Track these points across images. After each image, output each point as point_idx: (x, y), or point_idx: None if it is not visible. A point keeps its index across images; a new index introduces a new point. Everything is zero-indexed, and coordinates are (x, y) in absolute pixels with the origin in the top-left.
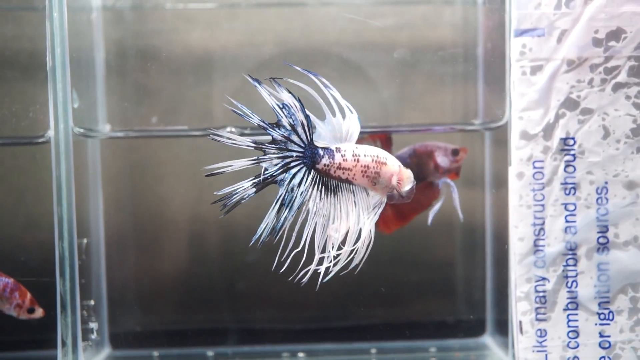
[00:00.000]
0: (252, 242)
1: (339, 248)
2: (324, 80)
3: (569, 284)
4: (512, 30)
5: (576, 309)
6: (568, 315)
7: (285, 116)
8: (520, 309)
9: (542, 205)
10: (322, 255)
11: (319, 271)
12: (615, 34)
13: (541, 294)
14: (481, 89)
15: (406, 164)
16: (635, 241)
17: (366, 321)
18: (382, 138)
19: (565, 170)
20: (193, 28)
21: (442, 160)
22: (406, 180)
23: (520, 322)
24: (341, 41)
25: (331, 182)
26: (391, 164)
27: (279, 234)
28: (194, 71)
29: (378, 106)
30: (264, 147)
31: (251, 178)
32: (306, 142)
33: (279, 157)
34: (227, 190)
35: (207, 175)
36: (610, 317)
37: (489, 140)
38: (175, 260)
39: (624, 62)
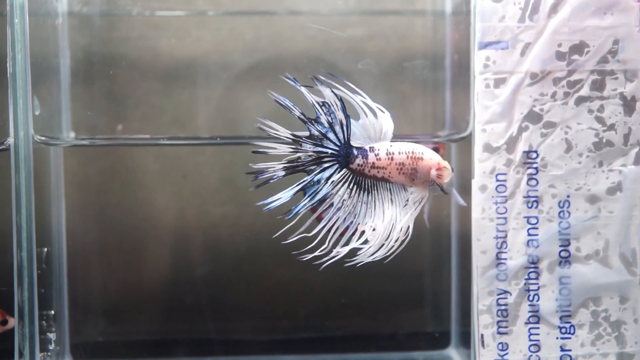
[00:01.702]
0: (260, 203)
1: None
2: (352, 85)
3: (531, 297)
4: (476, 42)
5: (538, 322)
6: (529, 328)
7: (325, 114)
8: (482, 322)
9: (505, 218)
10: (337, 248)
11: (326, 261)
12: (579, 48)
13: (503, 307)
14: (448, 101)
15: None
16: (596, 255)
17: (334, 333)
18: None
19: (527, 184)
20: (161, 35)
21: None
22: (446, 172)
23: (482, 336)
24: (310, 50)
25: (366, 181)
26: (428, 157)
27: (296, 218)
28: (161, 79)
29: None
30: (301, 139)
31: (283, 162)
32: (342, 142)
33: (314, 152)
34: (260, 165)
35: (253, 152)
36: (572, 331)
37: (455, 151)
38: (140, 269)
39: (586, 76)
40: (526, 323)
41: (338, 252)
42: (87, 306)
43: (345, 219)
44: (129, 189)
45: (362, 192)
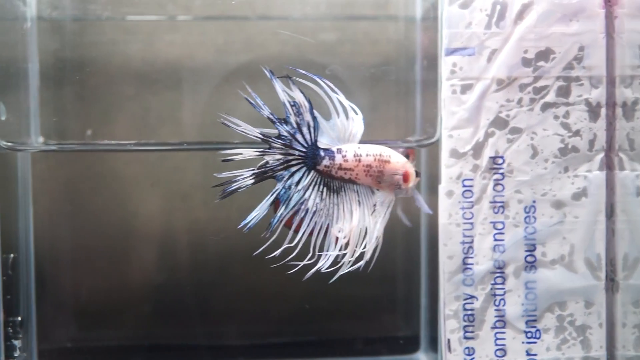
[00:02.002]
0: (241, 226)
1: (346, 247)
2: (329, 83)
3: (497, 302)
4: (443, 49)
5: (504, 327)
6: (496, 333)
7: (294, 114)
8: (448, 327)
9: (471, 224)
10: (321, 254)
11: (321, 270)
12: (545, 54)
13: (469, 312)
14: (419, 106)
15: None
16: (562, 260)
17: (306, 338)
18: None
19: (494, 189)
20: (132, 40)
21: None
22: (410, 176)
23: (449, 340)
24: (282, 55)
25: (334, 182)
26: (395, 161)
27: (277, 230)
28: (132, 83)
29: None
30: (270, 140)
31: (251, 168)
32: (309, 143)
33: (282, 154)
34: (226, 174)
35: (223, 161)
36: (537, 336)
37: (425, 157)
38: (111, 275)
39: (552, 82)
40: (492, 328)
41: (321, 266)
42: (57, 312)
43: (322, 222)
44: (98, 195)
45: (332, 193)
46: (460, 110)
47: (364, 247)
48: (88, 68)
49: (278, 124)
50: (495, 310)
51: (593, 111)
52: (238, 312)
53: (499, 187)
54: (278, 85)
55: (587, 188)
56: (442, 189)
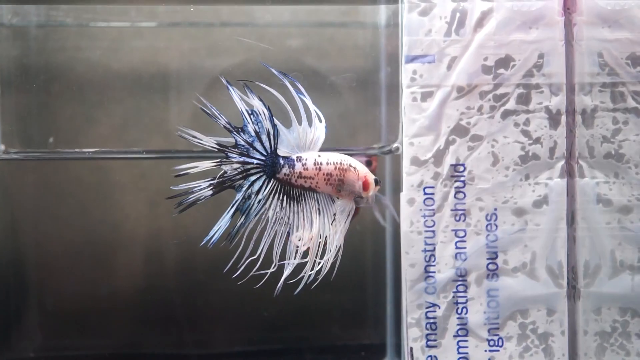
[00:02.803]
0: (203, 243)
1: (304, 256)
2: (299, 85)
3: (459, 310)
4: (403, 56)
5: (466, 335)
6: (458, 341)
7: (252, 122)
8: (411, 336)
9: (433, 232)
10: (282, 263)
11: (286, 281)
12: (505, 62)
13: (432, 321)
14: (383, 113)
15: None
16: (524, 267)
17: (273, 346)
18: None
19: (455, 197)
20: (96, 46)
21: None
22: (370, 185)
23: (411, 349)
24: (248, 61)
25: (294, 190)
26: (355, 169)
27: (234, 240)
28: (96, 90)
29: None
30: (226, 150)
31: (208, 179)
32: (269, 151)
33: (240, 162)
34: (182, 187)
35: (176, 176)
36: (500, 344)
37: (389, 164)
38: (76, 282)
39: (512, 89)
40: (455, 336)
41: (286, 277)
42: (22, 321)
43: (282, 231)
44: (63, 202)
45: (292, 202)
46: (420, 118)
47: (322, 258)
48: (51, 74)
49: (234, 133)
50: (458, 318)
51: (553, 118)
52: (204, 321)
53: (460, 195)
54: (235, 94)
55: (548, 195)
56: (404, 196)
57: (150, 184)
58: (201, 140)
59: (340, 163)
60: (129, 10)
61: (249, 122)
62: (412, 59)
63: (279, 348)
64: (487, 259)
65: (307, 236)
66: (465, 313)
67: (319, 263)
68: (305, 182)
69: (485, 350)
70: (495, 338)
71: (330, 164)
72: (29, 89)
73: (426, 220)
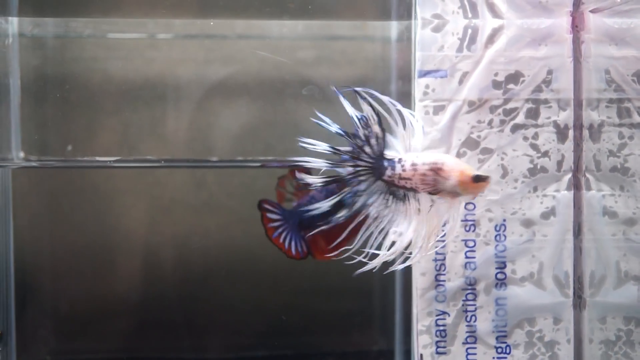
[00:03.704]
0: (301, 209)
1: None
2: (392, 100)
3: (468, 318)
4: (416, 70)
5: (475, 342)
6: (467, 348)
7: (362, 127)
8: (421, 342)
9: (443, 241)
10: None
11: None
12: (514, 77)
13: (441, 328)
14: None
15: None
16: (531, 277)
17: (283, 352)
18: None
19: (465, 208)
20: (113, 56)
21: None
22: (465, 183)
23: (422, 355)
24: (261, 72)
25: (399, 191)
26: (448, 168)
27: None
28: (113, 99)
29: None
30: (340, 152)
31: (325, 177)
32: (377, 155)
33: (351, 166)
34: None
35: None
36: (508, 351)
37: None
38: (92, 289)
39: (522, 104)
40: (464, 343)
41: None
42: (36, 326)
43: (382, 228)
44: (79, 210)
45: (397, 201)
46: (433, 131)
47: (410, 253)
48: (70, 84)
49: (348, 138)
50: (467, 326)
51: (561, 133)
52: (214, 326)
53: (470, 206)
54: (345, 102)
55: (556, 207)
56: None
57: (165, 192)
58: (317, 146)
59: (434, 162)
60: (146, 23)
61: (359, 127)
62: (424, 74)
63: (288, 354)
64: (496, 268)
65: (405, 234)
66: (474, 321)
67: (409, 257)
68: (406, 183)
69: (494, 357)
70: (503, 345)
71: (425, 164)
72: (47, 98)
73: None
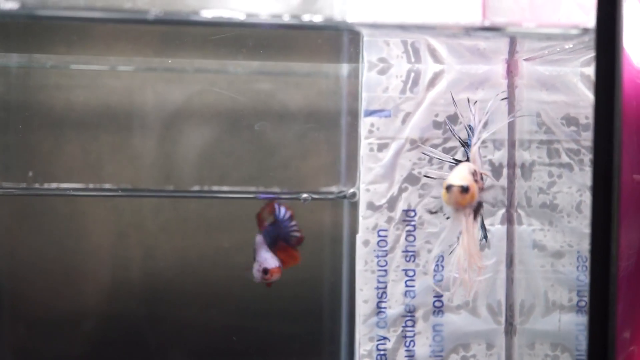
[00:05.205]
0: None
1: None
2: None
3: (407, 344)
4: (362, 110)
5: None
6: None
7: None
8: None
9: (385, 271)
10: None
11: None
12: (453, 118)
13: (382, 353)
14: (343, 160)
15: None
16: (466, 305)
17: None
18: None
19: (406, 239)
20: (76, 85)
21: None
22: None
23: None
24: (217, 103)
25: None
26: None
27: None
28: (74, 127)
29: (253, 169)
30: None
31: None
32: None
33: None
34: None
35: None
36: None
37: (347, 208)
38: (50, 312)
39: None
40: None
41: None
42: None
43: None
44: (38, 234)
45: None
46: (376, 167)
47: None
48: (31, 111)
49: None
50: (406, 350)
51: (496, 171)
52: (165, 346)
53: (411, 238)
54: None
55: (491, 240)
56: (359, 238)
57: (122, 216)
58: (440, 156)
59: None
60: (107, 57)
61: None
62: (370, 113)
63: None
64: (434, 297)
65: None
66: (413, 346)
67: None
68: None
69: None
70: None
71: None
72: (10, 125)
73: (379, 260)
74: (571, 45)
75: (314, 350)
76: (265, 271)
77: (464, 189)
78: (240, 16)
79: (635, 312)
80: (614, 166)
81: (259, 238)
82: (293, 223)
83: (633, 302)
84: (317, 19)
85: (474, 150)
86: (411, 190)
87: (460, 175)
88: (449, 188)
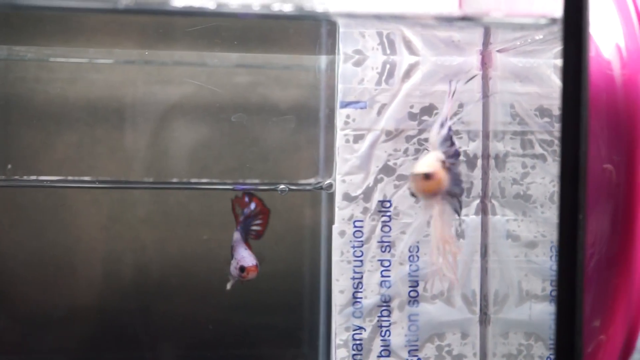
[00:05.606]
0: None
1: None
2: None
3: (383, 333)
4: (338, 101)
5: (389, 355)
6: None
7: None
8: (339, 356)
9: (361, 261)
10: None
11: None
12: (428, 110)
13: (358, 342)
14: (321, 151)
15: None
16: (441, 295)
17: None
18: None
19: (382, 230)
20: (55, 78)
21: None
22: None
23: None
24: (197, 96)
25: None
26: None
27: None
28: (54, 119)
29: (233, 161)
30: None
31: None
32: None
33: None
34: None
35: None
36: None
37: (325, 199)
38: (33, 302)
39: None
40: (379, 356)
41: None
42: None
43: None
44: (19, 227)
45: None
46: (352, 158)
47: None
48: (10, 104)
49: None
50: (382, 340)
51: (470, 162)
52: (148, 338)
53: (386, 229)
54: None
55: (465, 230)
56: (335, 229)
57: (102, 209)
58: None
59: None
60: (87, 50)
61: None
62: (346, 105)
63: None
64: (409, 287)
65: None
66: (389, 335)
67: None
68: None
69: None
70: (415, 359)
71: None
72: None
73: (355, 251)
74: (542, 36)
75: (295, 341)
76: (242, 269)
77: (427, 176)
78: (210, 5)
79: (605, 301)
80: (581, 155)
81: (237, 235)
82: (259, 217)
83: (603, 291)
84: (289, 8)
85: (432, 134)
86: (387, 181)
87: (426, 163)
88: (412, 175)
